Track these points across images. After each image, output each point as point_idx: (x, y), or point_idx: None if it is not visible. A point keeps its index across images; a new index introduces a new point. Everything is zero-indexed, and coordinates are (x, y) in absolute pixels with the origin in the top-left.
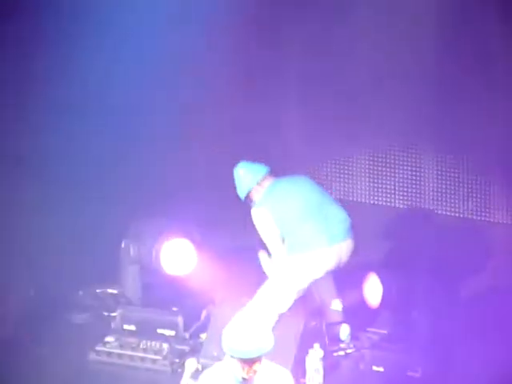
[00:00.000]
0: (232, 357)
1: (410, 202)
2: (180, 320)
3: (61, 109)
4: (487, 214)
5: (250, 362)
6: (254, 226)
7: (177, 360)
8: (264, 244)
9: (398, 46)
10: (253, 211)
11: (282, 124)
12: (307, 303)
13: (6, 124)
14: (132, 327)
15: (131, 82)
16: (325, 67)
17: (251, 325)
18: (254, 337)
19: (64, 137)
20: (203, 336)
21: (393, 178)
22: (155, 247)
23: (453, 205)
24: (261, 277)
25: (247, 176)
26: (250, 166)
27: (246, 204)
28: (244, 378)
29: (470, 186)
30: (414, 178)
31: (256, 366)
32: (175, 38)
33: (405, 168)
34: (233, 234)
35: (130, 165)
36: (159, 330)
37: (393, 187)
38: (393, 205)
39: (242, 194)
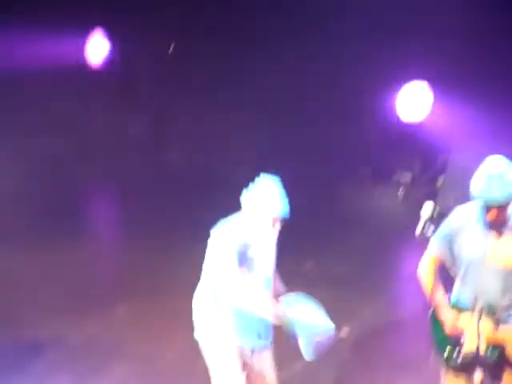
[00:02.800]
0: (481, 201)
1: None
2: (417, 164)
3: None
4: None
5: (497, 208)
6: None
7: (413, 205)
8: None
9: None
10: None
11: None
12: None
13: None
14: (367, 170)
15: None
16: None
17: (499, 166)
18: (503, 182)
19: None
20: (440, 180)
21: None
22: (393, 91)
23: None
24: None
25: None
26: None
27: None
28: (492, 222)
29: None
30: None
31: (504, 212)
32: None
33: None
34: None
35: None
36: (397, 174)
37: None
38: None
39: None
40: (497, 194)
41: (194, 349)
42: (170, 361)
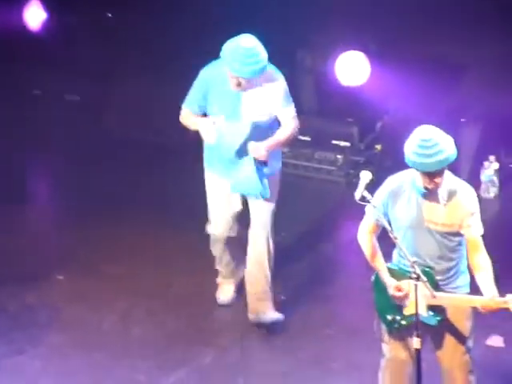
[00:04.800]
0: (414, 169)
1: None
2: (355, 131)
3: None
4: None
5: (431, 175)
6: None
7: (351, 171)
8: None
9: None
10: None
11: None
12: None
13: None
14: (307, 138)
15: None
16: None
17: (431, 134)
18: (435, 149)
19: None
20: (378, 147)
21: None
22: (331, 57)
23: None
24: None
25: None
26: None
27: None
28: (426, 188)
29: None
30: None
31: (437, 179)
32: None
33: None
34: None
35: None
36: (334, 141)
37: None
38: None
39: None
40: (431, 161)
41: (130, 318)
42: (107, 330)
